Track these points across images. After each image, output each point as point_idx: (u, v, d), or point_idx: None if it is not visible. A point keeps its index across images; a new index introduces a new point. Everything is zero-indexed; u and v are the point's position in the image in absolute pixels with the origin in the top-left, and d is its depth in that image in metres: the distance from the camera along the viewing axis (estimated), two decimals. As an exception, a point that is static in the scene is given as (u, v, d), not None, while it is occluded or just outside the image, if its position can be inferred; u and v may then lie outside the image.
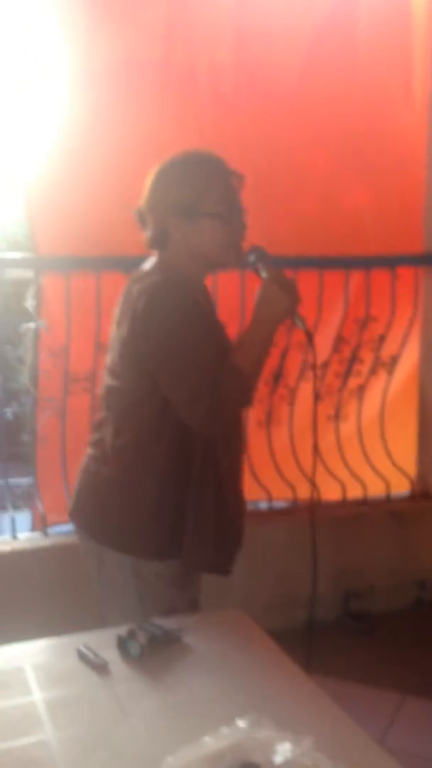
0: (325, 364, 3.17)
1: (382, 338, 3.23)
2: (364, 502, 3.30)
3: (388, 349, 3.27)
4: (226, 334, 1.84)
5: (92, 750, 1.22)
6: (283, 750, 1.11)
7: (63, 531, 2.91)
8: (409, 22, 3.11)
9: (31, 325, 2.83)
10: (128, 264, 2.68)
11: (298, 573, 2.82)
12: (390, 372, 3.27)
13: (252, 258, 1.73)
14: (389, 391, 3.29)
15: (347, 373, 3.23)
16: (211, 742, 1.13)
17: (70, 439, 2.88)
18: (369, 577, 3.25)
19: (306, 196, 3.08)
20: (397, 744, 2.43)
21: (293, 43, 2.98)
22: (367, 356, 3.25)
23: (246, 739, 1.14)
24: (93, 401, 2.86)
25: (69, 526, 2.85)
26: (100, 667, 1.45)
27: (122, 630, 1.51)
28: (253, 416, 3.08)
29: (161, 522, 1.75)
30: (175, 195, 1.70)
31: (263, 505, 3.21)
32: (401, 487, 3.36)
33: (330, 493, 3.21)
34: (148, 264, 1.80)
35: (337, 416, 3.25)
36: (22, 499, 3.23)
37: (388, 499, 3.34)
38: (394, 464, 3.32)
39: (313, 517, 2.09)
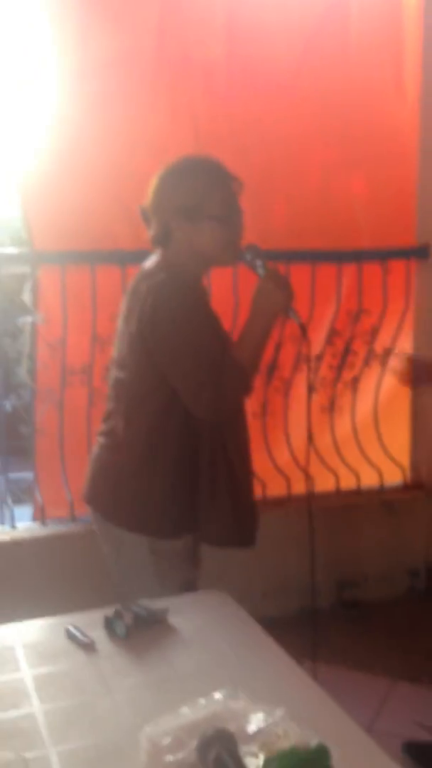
0: (319, 357, 3.21)
1: (375, 330, 3.27)
2: (357, 492, 3.34)
3: (381, 342, 3.31)
4: (223, 327, 1.95)
5: (75, 721, 1.28)
6: (257, 719, 1.17)
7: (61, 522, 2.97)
8: (401, 16, 3.13)
9: (29, 318, 2.88)
10: (123, 257, 2.75)
11: (293, 562, 2.88)
12: (383, 364, 3.31)
13: (248, 256, 1.85)
14: (383, 383, 3.33)
15: (341, 366, 3.27)
16: (188, 713, 1.19)
17: (68, 430, 2.93)
18: (362, 566, 3.30)
19: (299, 190, 3.11)
20: (386, 727, 2.48)
21: (286, 37, 3.01)
22: (361, 348, 3.29)
23: (222, 710, 1.19)
24: (90, 393, 2.91)
25: (67, 521, 2.93)
26: (87, 646, 1.51)
27: (109, 611, 1.57)
28: (248, 408, 3.11)
29: (176, 504, 1.87)
30: (179, 198, 1.81)
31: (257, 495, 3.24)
32: (394, 477, 3.40)
33: (324, 483, 3.25)
34: (152, 261, 1.90)
35: (331, 408, 3.29)
36: (26, 493, 3.27)
37: (381, 489, 3.37)
38: (387, 455, 3.36)
39: (309, 506, 2.15)
